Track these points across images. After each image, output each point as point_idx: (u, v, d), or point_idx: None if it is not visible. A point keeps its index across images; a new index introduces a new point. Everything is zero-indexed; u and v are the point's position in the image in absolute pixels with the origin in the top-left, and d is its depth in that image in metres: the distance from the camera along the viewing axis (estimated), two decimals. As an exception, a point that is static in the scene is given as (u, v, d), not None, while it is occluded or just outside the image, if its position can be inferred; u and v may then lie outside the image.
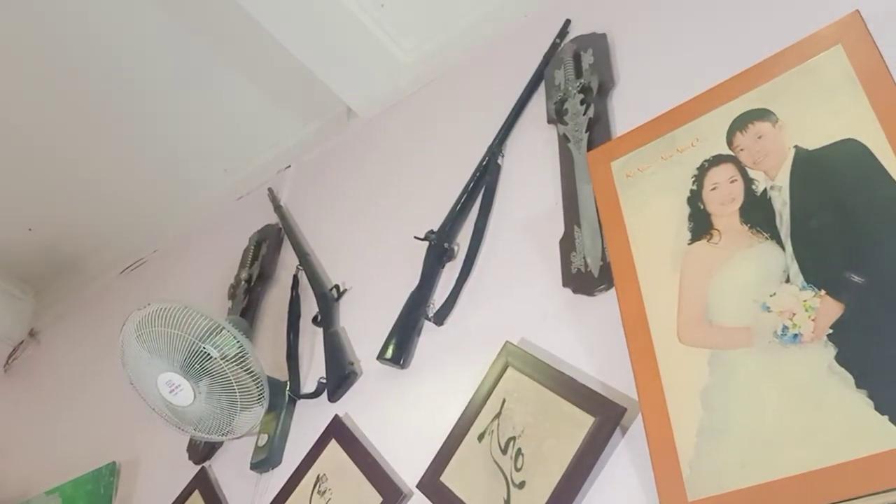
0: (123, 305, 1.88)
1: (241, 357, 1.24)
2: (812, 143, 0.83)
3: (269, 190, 1.84)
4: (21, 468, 1.91)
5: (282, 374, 1.36)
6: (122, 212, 2.20)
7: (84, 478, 1.62)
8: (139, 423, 1.55)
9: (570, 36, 1.35)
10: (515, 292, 1.11)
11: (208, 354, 1.22)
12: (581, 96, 1.21)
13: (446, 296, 1.19)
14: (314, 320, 1.40)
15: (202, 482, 1.35)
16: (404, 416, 1.14)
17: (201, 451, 1.41)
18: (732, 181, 0.87)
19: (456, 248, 1.26)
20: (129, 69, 1.84)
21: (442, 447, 1.01)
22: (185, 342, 1.21)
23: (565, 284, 1.04)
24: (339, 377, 1.25)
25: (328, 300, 1.40)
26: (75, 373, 2.04)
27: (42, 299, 2.48)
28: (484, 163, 1.30)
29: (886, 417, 0.65)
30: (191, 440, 1.45)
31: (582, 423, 0.86)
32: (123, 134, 2.00)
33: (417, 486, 1.00)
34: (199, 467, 1.39)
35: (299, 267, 1.53)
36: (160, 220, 2.18)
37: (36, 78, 1.85)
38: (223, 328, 1.24)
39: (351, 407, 1.22)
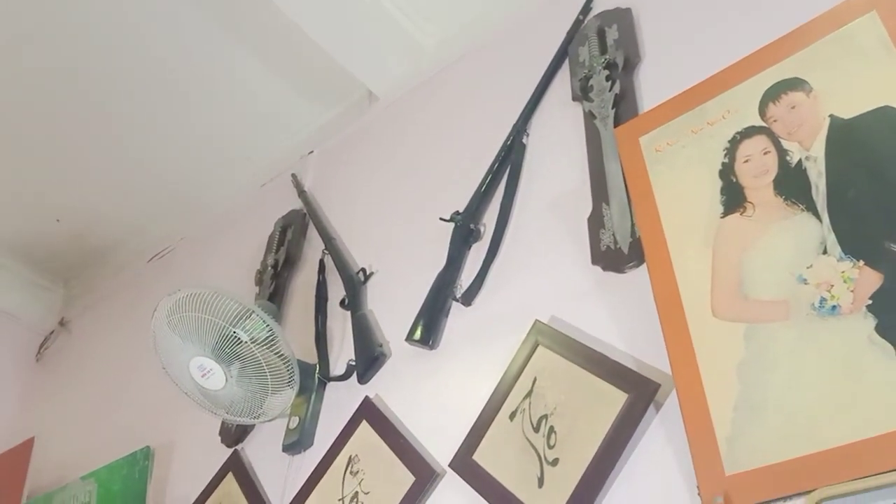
0: (152, 293, 1.91)
1: (271, 340, 1.25)
2: (847, 111, 0.82)
3: (293, 176, 1.85)
4: (57, 455, 1.95)
5: (311, 358, 1.37)
6: (148, 201, 2.22)
7: (119, 462, 1.65)
8: (172, 408, 1.57)
9: (594, 12, 1.33)
10: (544, 271, 1.11)
11: (239, 338, 1.23)
12: (606, 72, 1.19)
13: (473, 276, 1.19)
14: (342, 303, 1.40)
15: (235, 465, 1.36)
16: (434, 396, 1.14)
17: (233, 435, 1.43)
18: (766, 153, 0.86)
19: (482, 228, 1.26)
20: (151, 59, 1.85)
21: (473, 426, 1.01)
22: (216, 327, 1.22)
23: (594, 262, 1.03)
24: (369, 359, 1.26)
25: (355, 283, 1.41)
26: (107, 360, 2.07)
27: (71, 289, 2.52)
28: (509, 142, 1.29)
29: (929, 388, 0.64)
30: (223, 424, 1.47)
31: (615, 399, 0.86)
32: (147, 124, 2.01)
33: (450, 466, 1.01)
34: (231, 450, 1.41)
35: (325, 251, 1.53)
36: (186, 208, 2.19)
37: (61, 69, 1.86)
38: (253, 312, 1.25)
39: (381, 388, 1.23)
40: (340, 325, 1.40)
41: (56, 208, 2.27)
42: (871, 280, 0.72)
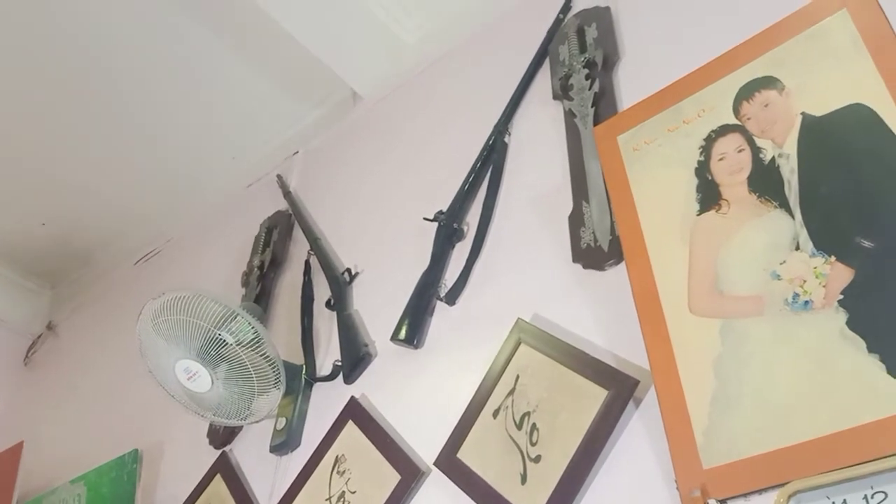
0: (139, 295, 1.90)
1: (257, 342, 1.25)
2: (819, 109, 0.83)
3: (278, 176, 1.85)
4: (46, 459, 1.94)
5: (297, 358, 1.38)
6: (133, 203, 2.22)
7: (107, 465, 1.65)
8: (160, 411, 1.57)
9: (574, 10, 1.34)
10: (526, 269, 1.12)
11: (224, 341, 1.23)
12: (586, 71, 1.20)
13: (457, 275, 1.20)
14: (327, 304, 1.41)
15: (224, 466, 1.37)
16: (419, 395, 1.15)
17: (221, 436, 1.44)
18: (740, 150, 0.87)
19: (465, 227, 1.26)
20: (134, 61, 1.85)
21: (458, 424, 1.02)
22: (201, 329, 1.22)
23: (575, 260, 1.04)
24: (354, 359, 1.26)
25: (340, 284, 1.41)
26: (94, 363, 2.07)
27: (58, 292, 2.51)
28: (491, 141, 1.30)
29: (899, 380, 0.66)
30: (211, 425, 1.47)
31: (595, 396, 0.87)
32: (131, 126, 2.01)
33: (435, 464, 1.02)
34: (219, 452, 1.41)
35: (311, 252, 1.54)
36: (172, 210, 2.19)
37: (44, 72, 1.86)
38: (238, 314, 1.25)
39: (367, 388, 1.24)
40: (326, 326, 1.41)
41: (41, 212, 2.26)
42: (843, 275, 0.73)
